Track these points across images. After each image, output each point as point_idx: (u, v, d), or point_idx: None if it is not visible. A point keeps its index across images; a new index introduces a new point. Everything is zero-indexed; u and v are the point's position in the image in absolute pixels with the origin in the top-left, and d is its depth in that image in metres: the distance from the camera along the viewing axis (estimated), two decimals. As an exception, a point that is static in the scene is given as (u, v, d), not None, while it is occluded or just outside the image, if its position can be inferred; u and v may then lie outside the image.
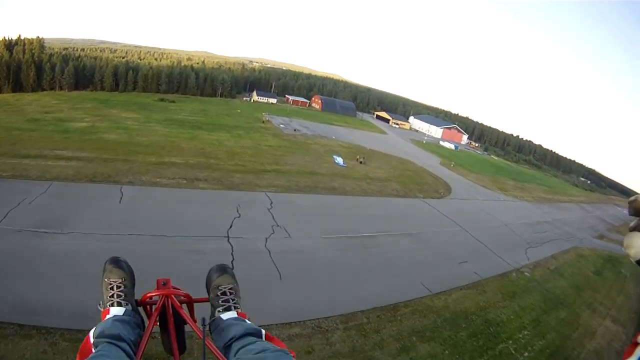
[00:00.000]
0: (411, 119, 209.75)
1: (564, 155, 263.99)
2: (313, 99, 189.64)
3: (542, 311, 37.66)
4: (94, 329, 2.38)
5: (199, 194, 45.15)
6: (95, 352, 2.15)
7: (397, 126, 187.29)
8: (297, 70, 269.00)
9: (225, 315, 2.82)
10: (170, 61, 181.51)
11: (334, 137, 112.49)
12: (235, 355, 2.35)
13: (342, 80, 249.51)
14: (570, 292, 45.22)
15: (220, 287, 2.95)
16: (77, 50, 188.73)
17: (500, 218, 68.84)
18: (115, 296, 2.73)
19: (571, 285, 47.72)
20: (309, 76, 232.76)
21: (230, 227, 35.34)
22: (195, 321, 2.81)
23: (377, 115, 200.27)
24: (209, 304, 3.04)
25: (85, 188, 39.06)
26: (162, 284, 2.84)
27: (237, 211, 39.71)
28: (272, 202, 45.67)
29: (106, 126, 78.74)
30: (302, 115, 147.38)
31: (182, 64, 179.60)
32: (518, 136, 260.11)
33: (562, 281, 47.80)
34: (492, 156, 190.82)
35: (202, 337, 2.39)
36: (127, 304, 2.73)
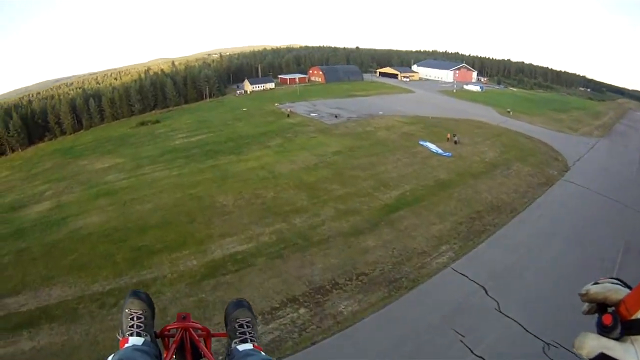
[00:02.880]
0: (415, 67, 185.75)
1: (559, 70, 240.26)
2: (311, 72, 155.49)
3: None
4: (112, 355, 2.17)
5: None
6: None
7: (407, 79, 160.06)
8: (258, 50, 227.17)
9: (242, 347, 2.61)
10: (132, 77, 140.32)
11: (381, 113, 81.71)
12: None
13: (325, 47, 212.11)
14: None
15: (238, 320, 2.76)
16: (31, 96, 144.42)
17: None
18: (135, 326, 2.50)
19: None
20: (289, 49, 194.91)
21: None
22: (212, 354, 2.60)
23: (380, 73, 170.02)
24: (225, 339, 2.83)
25: None
26: (182, 318, 2.62)
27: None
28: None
29: (78, 199, 45.53)
30: (316, 94, 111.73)
31: (151, 73, 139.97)
32: (509, 60, 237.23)
33: None
34: (511, 88, 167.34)
35: None
36: (146, 335, 2.50)
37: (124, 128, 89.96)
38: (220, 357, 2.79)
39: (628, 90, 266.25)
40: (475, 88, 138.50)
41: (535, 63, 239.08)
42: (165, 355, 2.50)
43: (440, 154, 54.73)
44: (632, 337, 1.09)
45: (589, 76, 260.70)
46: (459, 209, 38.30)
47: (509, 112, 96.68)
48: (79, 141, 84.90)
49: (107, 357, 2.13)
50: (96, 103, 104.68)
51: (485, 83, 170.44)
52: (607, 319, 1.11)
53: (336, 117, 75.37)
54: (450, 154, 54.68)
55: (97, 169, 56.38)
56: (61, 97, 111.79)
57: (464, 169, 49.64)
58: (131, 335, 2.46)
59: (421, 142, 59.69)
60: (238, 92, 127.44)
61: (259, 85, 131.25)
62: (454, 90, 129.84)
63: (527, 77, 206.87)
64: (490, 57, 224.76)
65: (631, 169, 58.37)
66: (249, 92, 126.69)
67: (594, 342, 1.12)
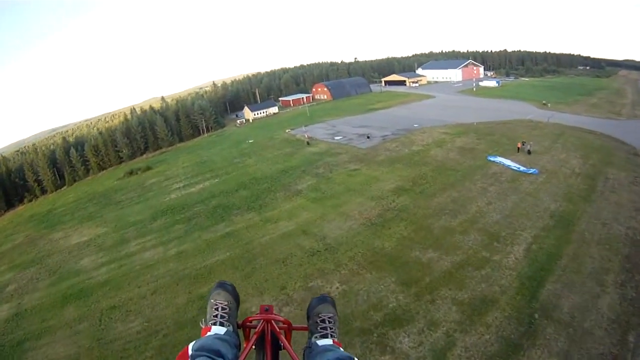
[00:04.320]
0: (420, 71, 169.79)
1: (558, 52, 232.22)
2: (315, 89, 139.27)
3: None
4: (193, 342, 2.17)
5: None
6: None
7: (416, 84, 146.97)
8: (253, 75, 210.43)
9: (321, 342, 2.47)
10: (119, 120, 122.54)
11: (416, 126, 67.55)
12: None
13: (322, 63, 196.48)
14: None
15: (320, 315, 2.62)
16: (27, 147, 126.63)
17: None
18: (219, 316, 2.50)
19: None
20: (285, 70, 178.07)
21: None
22: (292, 348, 2.46)
23: (385, 82, 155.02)
24: (306, 333, 2.70)
25: None
26: (265, 310, 2.57)
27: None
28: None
29: (42, 304, 31.18)
30: (329, 113, 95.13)
31: (139, 112, 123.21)
32: (506, 50, 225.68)
33: None
34: (523, 78, 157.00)
35: None
36: (228, 325, 2.49)
37: (110, 180, 73.21)
38: (300, 349, 2.43)
39: (621, 61, 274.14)
40: (492, 83, 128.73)
41: (531, 50, 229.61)
42: (245, 345, 2.47)
43: (524, 172, 42.16)
44: None
45: (585, 54, 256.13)
46: (609, 260, 25.61)
47: (545, 104, 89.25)
48: (59, 202, 68.28)
49: (189, 344, 2.11)
50: (79, 153, 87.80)
51: (495, 77, 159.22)
52: None
53: (368, 137, 60.21)
54: (536, 170, 42.36)
55: (72, 247, 41.06)
56: (39, 150, 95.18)
57: (566, 189, 37.86)
58: (214, 324, 2.43)
59: (491, 158, 46.71)
60: (239, 121, 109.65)
61: (261, 111, 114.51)
62: (474, 89, 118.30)
63: (530, 64, 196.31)
64: (489, 50, 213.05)
65: None
66: (251, 121, 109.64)
67: None
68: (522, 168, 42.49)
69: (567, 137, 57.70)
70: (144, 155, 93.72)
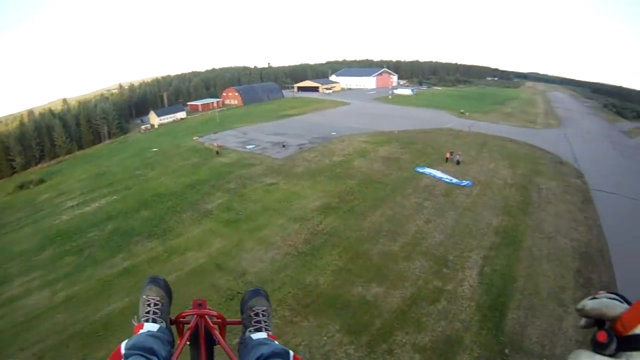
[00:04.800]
0: (334, 78, 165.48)
1: (468, 64, 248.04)
2: (225, 94, 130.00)
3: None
4: (126, 340, 2.07)
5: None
6: None
7: (330, 91, 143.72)
8: (162, 77, 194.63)
9: (256, 335, 2.44)
10: (14, 125, 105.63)
11: (334, 134, 62.95)
12: None
13: (234, 67, 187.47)
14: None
15: (254, 309, 2.59)
16: None
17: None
18: (151, 312, 2.41)
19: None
20: (196, 74, 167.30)
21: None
22: (226, 342, 2.47)
23: (298, 87, 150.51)
24: (240, 327, 2.66)
25: None
26: (198, 305, 2.51)
27: None
28: None
29: None
30: (240, 119, 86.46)
31: (37, 115, 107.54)
32: (418, 60, 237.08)
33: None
34: (436, 87, 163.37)
35: (234, 357, 2.19)
36: (161, 321, 2.40)
37: (-1, 195, 61.27)
38: (235, 344, 2.39)
39: (527, 73, 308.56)
40: (407, 91, 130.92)
41: (442, 61, 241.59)
42: (179, 341, 2.38)
43: (457, 184, 39.92)
44: (627, 354, 1.04)
45: (493, 66, 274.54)
46: (562, 277, 24.33)
47: (462, 113, 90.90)
48: None
49: (121, 342, 2.03)
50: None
51: (408, 85, 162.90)
52: (602, 336, 1.07)
53: (284, 146, 54.67)
54: (469, 182, 40.43)
55: None
56: None
57: (502, 201, 36.41)
58: (146, 321, 2.35)
59: (419, 169, 44.04)
60: (143, 127, 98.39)
61: (168, 116, 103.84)
62: (390, 97, 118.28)
63: (443, 74, 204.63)
64: (402, 60, 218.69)
65: (624, 159, 59.53)
66: (156, 126, 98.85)
67: None
68: (454, 180, 40.15)
69: (491, 146, 57.60)
70: (39, 165, 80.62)
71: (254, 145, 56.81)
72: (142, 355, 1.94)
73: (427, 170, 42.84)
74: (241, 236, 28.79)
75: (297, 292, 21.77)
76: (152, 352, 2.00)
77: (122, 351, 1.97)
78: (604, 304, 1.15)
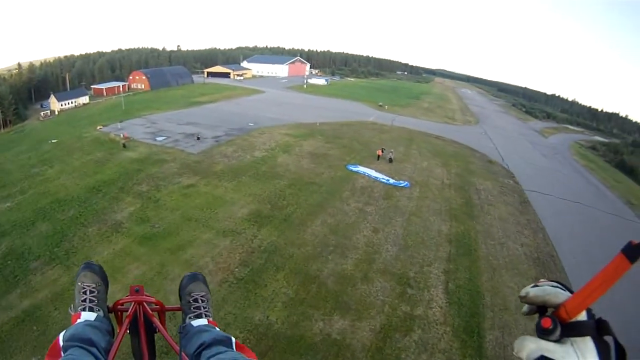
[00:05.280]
0: (246, 64, 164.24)
1: (380, 57, 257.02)
2: (132, 77, 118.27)
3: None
4: (64, 331, 2.08)
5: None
6: (65, 355, 1.93)
7: (241, 77, 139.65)
8: (65, 57, 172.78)
9: (196, 322, 2.47)
10: None
11: (252, 125, 59.03)
12: None
13: (142, 48, 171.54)
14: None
15: (192, 294, 2.59)
16: None
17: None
18: (87, 301, 2.39)
19: None
20: (102, 54, 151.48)
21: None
22: (166, 329, 2.48)
23: (208, 73, 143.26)
24: (180, 312, 2.67)
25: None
26: (135, 291, 2.49)
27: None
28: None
29: None
30: (147, 105, 76.60)
31: None
32: (330, 51, 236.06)
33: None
34: (348, 78, 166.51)
35: (175, 345, 2.19)
36: (98, 310, 2.39)
37: None
38: (175, 330, 2.35)
39: (435, 70, 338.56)
40: (321, 81, 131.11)
41: (353, 52, 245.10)
42: (118, 330, 2.40)
43: (394, 185, 38.77)
44: (572, 339, 1.11)
45: (403, 61, 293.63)
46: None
47: (381, 106, 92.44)
48: None
49: (59, 334, 2.03)
50: None
51: (321, 75, 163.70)
52: (547, 322, 1.12)
53: (198, 138, 49.41)
54: (407, 183, 39.58)
55: None
56: None
57: (445, 204, 35.93)
58: (83, 310, 2.33)
59: (352, 168, 42.20)
60: (42, 113, 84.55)
61: (70, 101, 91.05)
62: (305, 86, 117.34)
63: (356, 66, 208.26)
64: (314, 50, 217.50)
65: (546, 159, 64.46)
66: (57, 112, 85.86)
67: (533, 345, 1.13)
68: (391, 180, 39.09)
69: (419, 143, 57.94)
70: None
71: (165, 137, 50.80)
72: (81, 347, 1.90)
73: (361, 169, 41.23)
74: (162, 258, 23.52)
75: (248, 335, 17.70)
76: (91, 343, 1.96)
77: (61, 343, 1.94)
78: (547, 291, 1.21)
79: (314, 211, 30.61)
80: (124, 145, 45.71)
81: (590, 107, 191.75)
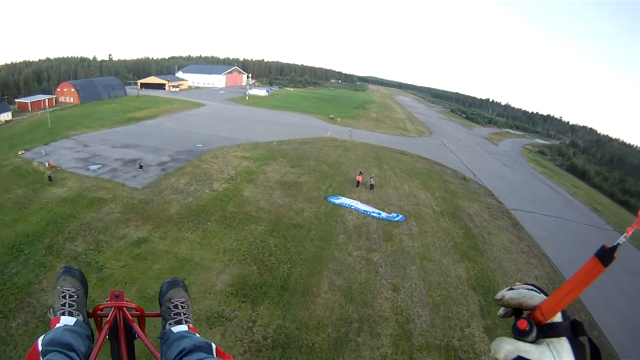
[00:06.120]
0: (181, 74, 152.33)
1: (314, 66, 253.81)
2: (60, 89, 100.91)
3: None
4: (42, 336, 2.03)
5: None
6: None
7: (177, 88, 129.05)
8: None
9: (176, 329, 2.44)
10: None
11: (200, 146, 50.72)
12: None
13: (71, 58, 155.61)
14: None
15: (172, 301, 2.56)
16: None
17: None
18: (67, 305, 2.37)
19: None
20: (28, 64, 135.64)
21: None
22: (146, 335, 2.45)
23: (142, 84, 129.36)
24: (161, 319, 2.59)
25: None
26: (115, 296, 2.44)
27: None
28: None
29: None
30: (77, 123, 63.17)
31: None
32: (264, 60, 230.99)
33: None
34: (287, 88, 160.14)
35: (155, 351, 2.21)
36: (78, 314, 2.36)
37: None
38: (155, 337, 2.36)
39: (366, 77, 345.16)
40: (262, 92, 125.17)
41: (287, 61, 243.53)
42: (98, 335, 2.33)
43: (388, 219, 33.42)
44: (548, 340, 1.14)
45: (336, 69, 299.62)
46: None
47: (332, 118, 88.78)
48: None
49: (38, 338, 1.97)
50: None
51: (258, 85, 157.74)
52: (523, 324, 1.15)
53: (141, 167, 40.51)
54: (402, 217, 34.34)
55: None
56: None
57: (449, 239, 31.62)
58: (63, 314, 2.31)
59: (334, 201, 35.84)
60: None
61: None
62: (247, 98, 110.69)
63: (291, 75, 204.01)
64: (250, 59, 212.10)
65: (510, 170, 63.74)
66: None
67: (510, 346, 1.15)
68: (383, 214, 33.86)
69: (388, 161, 53.68)
70: None
71: (99, 165, 40.93)
72: (60, 352, 1.87)
73: (345, 201, 35.45)
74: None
75: None
76: (71, 347, 1.93)
77: (39, 347, 1.90)
78: (522, 294, 1.24)
79: (314, 269, 24.11)
80: (50, 178, 35.58)
81: (524, 110, 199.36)
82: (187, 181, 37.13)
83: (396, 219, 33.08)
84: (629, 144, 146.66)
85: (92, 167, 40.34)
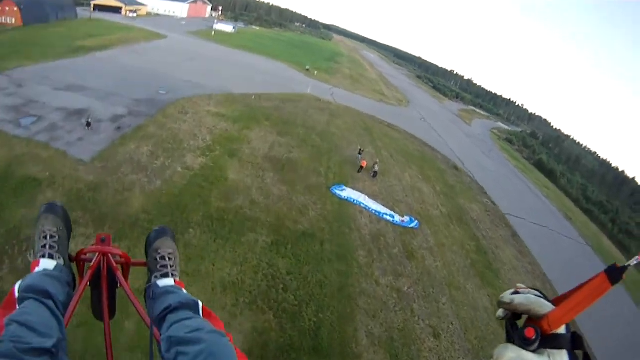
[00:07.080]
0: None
1: (281, 7, 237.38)
2: (0, 7, 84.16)
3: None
4: (20, 281, 1.95)
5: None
6: (20, 308, 1.81)
7: (134, 14, 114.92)
8: None
9: (162, 282, 2.33)
10: None
11: (163, 93, 40.48)
12: (168, 329, 1.98)
13: None
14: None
15: (159, 251, 2.44)
16: None
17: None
18: (47, 247, 2.23)
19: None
20: None
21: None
22: (129, 284, 2.38)
23: (95, 6, 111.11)
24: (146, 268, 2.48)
25: None
26: (101, 240, 2.34)
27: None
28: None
29: None
30: (16, 51, 45.37)
31: None
32: None
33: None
34: (254, 27, 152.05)
35: (136, 302, 2.13)
36: (59, 258, 2.24)
37: None
38: (137, 287, 2.25)
39: (329, 25, 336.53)
40: (229, 28, 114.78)
41: None
42: (79, 282, 2.25)
43: (402, 225, 28.63)
44: (549, 351, 1.13)
45: (301, 13, 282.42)
46: None
47: (308, 70, 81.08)
48: None
49: (15, 284, 1.91)
50: None
51: (222, 19, 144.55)
52: (530, 332, 1.14)
53: (89, 125, 28.84)
54: (417, 223, 29.53)
55: None
56: None
57: (465, 256, 28.18)
58: (43, 256, 2.19)
59: (338, 193, 29.83)
60: None
61: None
62: (213, 33, 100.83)
63: (259, 13, 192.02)
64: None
65: (489, 160, 61.70)
66: None
67: (513, 354, 1.15)
68: (396, 218, 29.00)
69: (379, 136, 49.37)
70: None
71: (34, 118, 28.64)
72: (37, 300, 1.79)
73: (351, 195, 29.88)
74: None
75: None
76: (48, 295, 1.84)
77: (16, 294, 1.83)
78: (532, 300, 1.22)
79: (344, 312, 17.99)
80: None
81: (488, 90, 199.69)
82: (151, 150, 27.21)
83: (411, 225, 28.77)
84: (580, 143, 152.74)
85: (25, 122, 28.30)
